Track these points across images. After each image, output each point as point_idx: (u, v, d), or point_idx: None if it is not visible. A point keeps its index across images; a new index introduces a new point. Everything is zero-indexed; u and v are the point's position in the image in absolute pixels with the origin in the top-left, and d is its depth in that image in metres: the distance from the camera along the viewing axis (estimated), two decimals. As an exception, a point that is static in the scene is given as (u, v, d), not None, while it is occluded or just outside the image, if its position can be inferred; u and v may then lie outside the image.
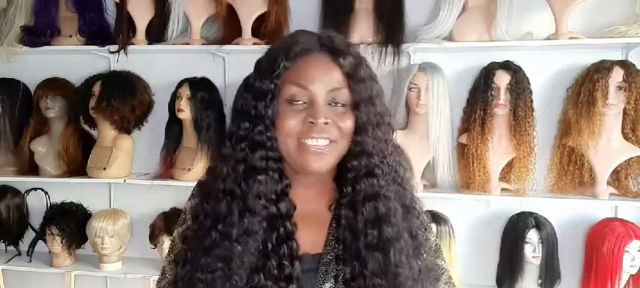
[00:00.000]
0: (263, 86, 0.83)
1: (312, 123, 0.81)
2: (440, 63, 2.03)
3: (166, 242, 2.11)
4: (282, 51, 0.84)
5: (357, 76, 0.84)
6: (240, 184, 0.82)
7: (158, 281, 0.96)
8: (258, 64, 0.87)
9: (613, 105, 1.85)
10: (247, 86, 0.87)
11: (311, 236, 0.86)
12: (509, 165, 2.00)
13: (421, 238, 0.89)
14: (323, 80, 0.82)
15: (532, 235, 1.91)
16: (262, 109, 0.82)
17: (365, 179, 0.83)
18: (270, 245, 0.82)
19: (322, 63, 0.84)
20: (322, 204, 0.89)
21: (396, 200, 0.85)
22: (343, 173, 0.86)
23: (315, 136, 0.81)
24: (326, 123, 0.81)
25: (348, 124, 0.83)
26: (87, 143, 2.33)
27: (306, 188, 0.89)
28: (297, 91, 0.82)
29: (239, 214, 0.81)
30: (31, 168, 2.34)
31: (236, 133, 0.84)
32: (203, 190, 0.90)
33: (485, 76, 1.97)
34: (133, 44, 2.24)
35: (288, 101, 0.82)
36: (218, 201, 0.83)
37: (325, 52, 0.84)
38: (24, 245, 2.39)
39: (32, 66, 2.37)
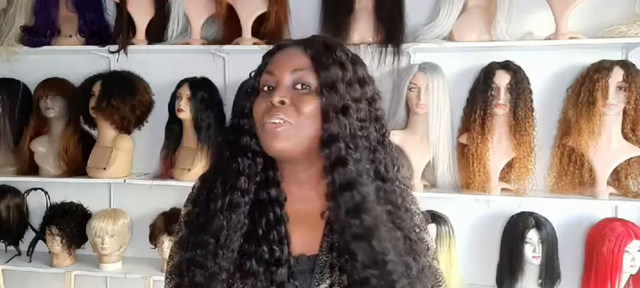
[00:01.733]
0: (250, 83, 0.92)
1: (271, 103, 0.83)
2: (440, 63, 2.03)
3: (166, 242, 2.11)
4: (267, 52, 0.92)
5: (322, 61, 0.85)
6: (226, 164, 0.88)
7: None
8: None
9: (613, 105, 1.85)
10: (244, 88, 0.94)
11: (306, 237, 0.86)
12: (509, 165, 2.00)
13: (415, 237, 0.87)
14: (286, 64, 0.86)
15: (532, 235, 1.91)
16: (245, 101, 0.90)
17: (336, 168, 0.82)
18: (260, 230, 0.84)
19: (290, 51, 0.88)
20: (316, 204, 0.88)
21: (370, 187, 0.83)
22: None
23: (271, 114, 0.83)
24: (281, 102, 0.83)
25: (310, 107, 0.83)
26: (87, 143, 2.33)
27: (298, 186, 0.89)
28: (267, 77, 0.87)
29: (222, 187, 0.86)
30: (31, 168, 2.34)
31: (227, 127, 0.93)
32: (201, 180, 0.95)
33: (485, 76, 1.97)
34: (133, 44, 2.24)
35: (261, 89, 0.88)
36: (207, 182, 0.90)
37: (298, 45, 0.89)
38: (24, 245, 2.39)
39: (32, 66, 2.38)
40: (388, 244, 0.81)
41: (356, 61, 0.89)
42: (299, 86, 0.84)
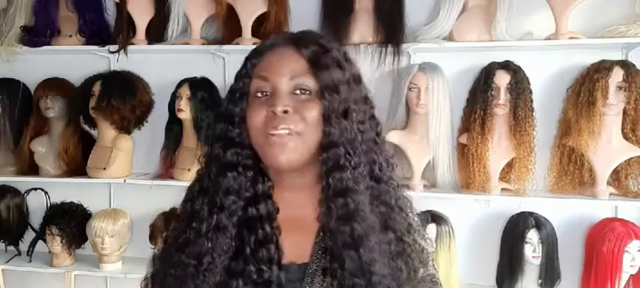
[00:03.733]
0: (235, 86, 0.85)
1: (273, 113, 0.78)
2: (440, 63, 2.03)
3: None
4: (253, 51, 0.86)
5: (320, 62, 0.81)
6: (212, 182, 0.83)
7: None
8: (238, 71, 0.88)
9: (613, 105, 1.85)
10: (228, 92, 0.87)
11: (297, 244, 0.83)
12: (509, 165, 2.00)
13: (408, 239, 0.84)
14: (284, 69, 0.80)
15: (532, 235, 1.91)
16: (233, 107, 0.84)
17: (333, 172, 0.79)
18: (248, 249, 0.80)
19: (284, 53, 0.83)
20: (310, 210, 0.84)
21: (368, 195, 0.81)
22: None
23: (275, 125, 0.78)
24: (285, 111, 0.78)
25: (313, 113, 0.79)
26: (87, 143, 2.33)
27: (292, 191, 0.86)
28: (261, 83, 0.81)
29: (208, 209, 0.82)
30: (31, 168, 2.34)
31: (214, 135, 0.86)
32: (186, 194, 0.91)
33: (485, 76, 1.96)
34: (133, 44, 2.24)
35: (255, 95, 0.82)
36: (193, 199, 0.85)
37: (289, 45, 0.83)
38: (24, 245, 2.39)
39: (32, 66, 2.38)
40: (376, 254, 0.79)
41: (348, 58, 0.86)
42: (298, 92, 0.80)
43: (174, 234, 0.86)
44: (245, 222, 0.82)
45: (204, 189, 0.84)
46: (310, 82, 0.80)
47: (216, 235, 0.80)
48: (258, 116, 0.80)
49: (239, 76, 0.85)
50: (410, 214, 0.89)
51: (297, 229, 0.84)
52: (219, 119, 0.86)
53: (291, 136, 0.78)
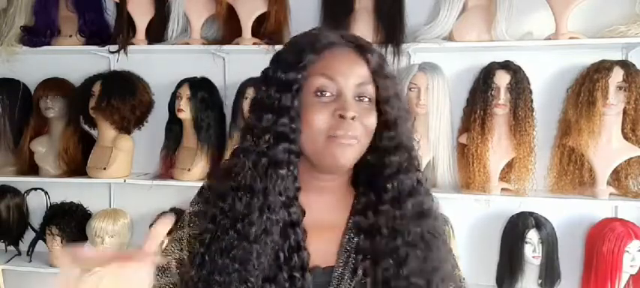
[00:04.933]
0: (289, 77, 0.79)
1: (341, 116, 0.78)
2: (440, 63, 2.03)
3: (166, 242, 2.11)
4: (308, 44, 0.81)
5: (382, 72, 0.83)
6: (262, 179, 0.78)
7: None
8: (280, 56, 0.84)
9: (613, 105, 1.85)
10: (269, 78, 0.81)
11: (322, 248, 0.82)
12: (509, 165, 2.00)
13: (445, 237, 0.88)
14: (351, 73, 0.80)
15: (532, 235, 1.91)
16: (288, 100, 0.78)
17: (407, 174, 0.82)
18: (281, 255, 0.79)
19: (349, 57, 0.82)
20: (336, 212, 0.86)
21: (427, 195, 0.85)
22: (365, 174, 0.86)
23: (344, 131, 0.78)
24: (353, 118, 0.78)
25: (372, 120, 0.81)
26: (87, 143, 2.33)
27: (318, 194, 0.85)
28: (325, 83, 0.79)
29: (259, 211, 0.77)
30: (31, 168, 2.34)
31: (258, 125, 0.79)
32: (215, 189, 0.84)
33: (485, 76, 1.97)
34: (133, 44, 2.24)
35: (314, 93, 0.79)
36: (236, 199, 0.78)
37: (351, 47, 0.83)
38: (24, 245, 2.38)
39: (32, 66, 2.37)
40: (442, 253, 0.82)
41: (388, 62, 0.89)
42: (362, 98, 0.81)
43: (212, 235, 0.79)
44: (282, 222, 0.80)
45: (249, 187, 0.78)
46: (372, 91, 0.82)
47: (265, 240, 0.77)
48: (321, 117, 0.78)
49: (292, 67, 0.79)
50: (438, 216, 0.90)
51: (321, 232, 0.83)
52: (262, 108, 0.80)
53: (354, 141, 0.80)
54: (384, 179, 0.82)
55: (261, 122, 0.79)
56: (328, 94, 0.79)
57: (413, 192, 0.83)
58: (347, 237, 0.84)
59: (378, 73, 0.82)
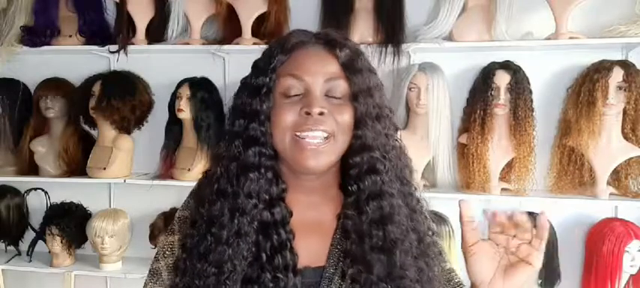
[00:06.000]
0: (258, 82, 0.80)
1: (307, 113, 0.77)
2: (440, 63, 2.03)
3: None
4: (277, 46, 0.82)
5: (353, 66, 0.80)
6: (233, 183, 0.79)
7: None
8: (255, 63, 0.85)
9: (613, 105, 1.85)
10: (243, 85, 0.84)
11: (313, 248, 0.82)
12: (509, 165, 2.00)
13: (429, 241, 0.85)
14: (318, 70, 0.79)
15: (532, 235, 1.91)
16: (257, 104, 0.79)
17: (368, 176, 0.79)
18: (264, 256, 0.78)
19: (317, 54, 0.81)
20: (326, 212, 0.84)
21: (399, 198, 0.81)
22: (347, 173, 0.82)
23: (310, 128, 0.76)
24: (321, 113, 0.77)
25: (346, 117, 0.79)
26: (87, 143, 2.33)
27: (307, 194, 0.84)
28: (293, 83, 0.79)
29: (230, 214, 0.78)
30: (31, 168, 2.34)
31: (230, 131, 0.81)
32: (198, 195, 0.86)
33: (485, 76, 1.97)
34: (133, 44, 2.24)
35: (283, 94, 0.79)
36: (211, 203, 0.80)
37: (320, 45, 0.82)
38: (24, 245, 2.38)
39: (32, 66, 2.37)
40: (410, 259, 0.78)
41: (365, 56, 0.85)
42: (332, 95, 0.79)
43: (192, 241, 0.81)
44: (261, 227, 0.79)
45: (222, 191, 0.79)
46: (344, 86, 0.80)
47: (237, 242, 0.77)
48: (288, 116, 0.78)
49: (262, 71, 0.81)
50: (428, 218, 0.90)
51: (311, 231, 0.83)
52: (235, 114, 0.82)
53: (324, 141, 0.78)
54: (351, 179, 0.81)
55: (234, 128, 0.81)
56: (296, 93, 0.79)
57: (374, 195, 0.79)
58: (337, 237, 0.83)
59: (349, 68, 0.80)
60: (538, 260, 0.81)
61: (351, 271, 0.78)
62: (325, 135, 0.77)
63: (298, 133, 0.77)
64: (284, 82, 0.79)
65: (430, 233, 0.86)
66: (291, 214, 0.82)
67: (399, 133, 0.87)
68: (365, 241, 0.78)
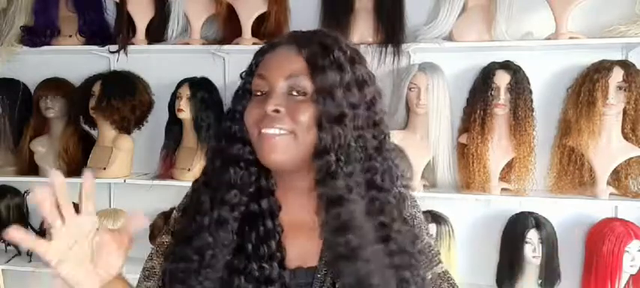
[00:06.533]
0: (240, 85, 0.87)
1: (264, 111, 0.78)
2: (440, 63, 2.03)
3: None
4: (258, 50, 0.86)
5: (317, 64, 0.77)
6: (215, 175, 0.83)
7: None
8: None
9: (613, 105, 1.85)
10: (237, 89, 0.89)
11: (304, 248, 0.82)
12: (509, 165, 2.00)
13: (412, 249, 0.82)
14: (280, 68, 0.79)
15: (532, 235, 1.91)
16: (236, 104, 0.85)
17: (326, 181, 0.76)
18: (249, 246, 0.80)
19: (284, 53, 0.81)
20: (314, 213, 0.82)
21: (359, 205, 0.77)
22: None
23: (267, 124, 0.77)
24: (276, 110, 0.76)
25: (305, 114, 0.76)
26: (87, 143, 2.33)
27: (297, 195, 0.84)
28: (259, 82, 0.81)
29: (210, 202, 0.81)
30: (31, 168, 2.34)
31: (220, 129, 0.87)
32: (192, 188, 0.91)
33: (485, 76, 1.97)
34: (133, 44, 2.24)
35: (254, 94, 0.82)
36: (197, 192, 0.85)
37: (292, 44, 0.81)
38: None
39: (32, 66, 2.37)
40: (373, 265, 0.76)
41: (355, 59, 0.81)
42: (294, 92, 0.78)
43: (180, 227, 0.87)
44: (247, 218, 0.82)
45: (207, 183, 0.84)
46: (306, 84, 0.77)
47: (217, 229, 0.79)
48: (252, 114, 0.80)
49: (244, 74, 0.86)
50: (417, 219, 0.89)
51: (302, 232, 0.82)
52: (226, 116, 0.87)
53: (281, 136, 0.77)
54: (315, 184, 0.78)
55: (222, 127, 0.86)
56: (261, 92, 0.81)
57: (332, 202, 0.76)
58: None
59: (313, 65, 0.78)
60: None
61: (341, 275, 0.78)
62: (282, 132, 0.77)
63: (262, 130, 0.78)
64: (254, 82, 0.82)
65: (416, 241, 0.84)
66: (280, 208, 0.84)
67: (384, 134, 0.83)
68: (333, 249, 0.77)
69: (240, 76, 0.87)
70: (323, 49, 0.79)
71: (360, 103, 0.79)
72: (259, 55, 0.85)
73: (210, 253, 0.79)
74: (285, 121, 0.77)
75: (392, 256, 0.79)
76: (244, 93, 0.84)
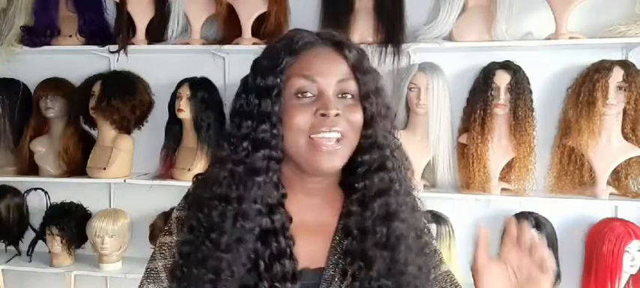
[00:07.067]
0: (268, 82, 0.78)
1: (323, 115, 0.77)
2: (440, 63, 2.03)
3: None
4: (284, 47, 0.81)
5: (362, 67, 0.82)
6: (238, 187, 0.77)
7: None
8: (258, 62, 0.83)
9: (613, 105, 1.85)
10: (247, 86, 0.82)
11: (312, 249, 0.82)
12: (509, 165, 2.00)
13: (427, 239, 0.87)
14: (331, 72, 0.79)
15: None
16: (267, 106, 0.77)
17: (377, 173, 0.81)
18: (262, 264, 0.77)
19: (327, 55, 0.81)
20: (325, 214, 0.85)
21: (404, 196, 0.83)
22: (350, 173, 0.83)
23: (326, 129, 0.77)
24: (337, 115, 0.77)
25: (358, 116, 0.80)
26: (87, 143, 2.33)
27: (307, 196, 0.85)
28: (305, 84, 0.78)
29: (233, 219, 0.76)
30: (31, 168, 2.34)
31: (236, 133, 0.79)
32: (195, 199, 0.84)
33: (485, 76, 1.97)
34: (133, 44, 2.24)
35: (295, 95, 0.79)
36: (211, 208, 0.78)
37: (328, 45, 0.82)
38: (24, 245, 2.38)
39: (32, 66, 2.37)
40: (412, 255, 0.80)
41: (368, 56, 0.87)
42: (346, 95, 0.80)
43: (189, 247, 0.80)
44: (260, 234, 0.78)
45: (224, 196, 0.78)
46: (354, 87, 0.81)
47: (237, 248, 0.76)
48: (302, 118, 0.78)
49: (269, 72, 0.79)
50: (423, 216, 0.91)
51: (311, 233, 0.83)
52: (241, 116, 0.80)
53: (340, 142, 0.78)
54: (355, 178, 0.82)
55: (241, 130, 0.79)
56: (309, 94, 0.79)
57: (381, 192, 0.81)
58: (337, 238, 0.83)
59: (358, 69, 0.81)
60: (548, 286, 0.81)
61: (352, 269, 0.79)
62: (339, 136, 0.78)
63: (313, 135, 0.77)
64: (295, 83, 0.79)
65: (426, 231, 0.89)
66: (290, 219, 0.81)
67: (399, 132, 0.88)
68: (368, 238, 0.79)
69: (262, 76, 0.79)
70: (361, 54, 0.84)
71: (389, 101, 0.86)
72: (288, 55, 0.80)
73: (228, 274, 0.76)
74: (342, 125, 0.78)
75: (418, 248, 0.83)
76: (278, 94, 0.78)
